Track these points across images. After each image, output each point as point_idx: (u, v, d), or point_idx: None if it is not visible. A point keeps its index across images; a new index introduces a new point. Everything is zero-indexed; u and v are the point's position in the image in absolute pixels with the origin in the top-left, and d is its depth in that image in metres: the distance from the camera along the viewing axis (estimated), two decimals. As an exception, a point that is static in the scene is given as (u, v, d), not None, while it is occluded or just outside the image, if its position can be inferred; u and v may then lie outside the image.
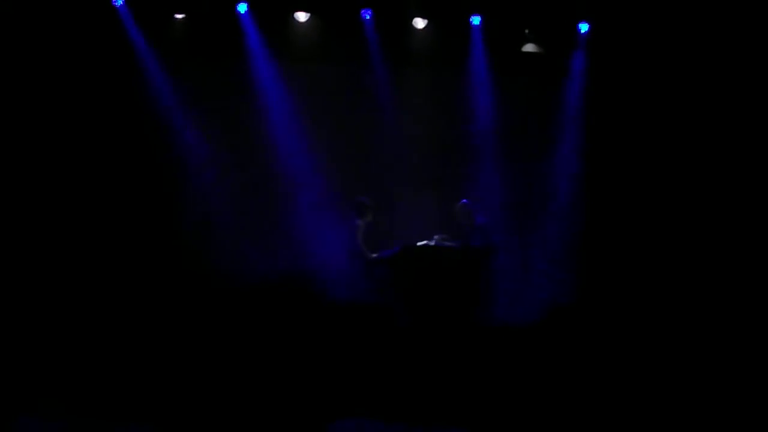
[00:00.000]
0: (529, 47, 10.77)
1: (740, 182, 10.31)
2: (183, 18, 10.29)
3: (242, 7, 10.22)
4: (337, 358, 6.76)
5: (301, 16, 10.41)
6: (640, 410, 6.42)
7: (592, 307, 9.13)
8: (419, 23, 10.60)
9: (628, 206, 10.48)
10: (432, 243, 9.26)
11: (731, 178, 10.35)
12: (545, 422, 6.37)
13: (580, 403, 6.44)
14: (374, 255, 9.26)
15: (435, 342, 7.18)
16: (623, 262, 10.22)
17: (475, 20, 10.59)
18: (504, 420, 6.40)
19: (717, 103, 10.50)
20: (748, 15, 10.18)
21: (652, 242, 10.32)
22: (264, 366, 6.57)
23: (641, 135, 10.60)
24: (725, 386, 6.73)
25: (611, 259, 10.29)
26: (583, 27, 10.64)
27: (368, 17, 10.46)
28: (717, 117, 10.49)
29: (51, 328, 7.82)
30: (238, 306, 7.19)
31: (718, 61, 10.44)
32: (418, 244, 9.27)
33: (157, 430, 6.10)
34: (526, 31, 10.73)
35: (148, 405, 6.43)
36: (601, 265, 10.29)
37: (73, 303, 8.67)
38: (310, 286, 7.45)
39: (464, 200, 9.68)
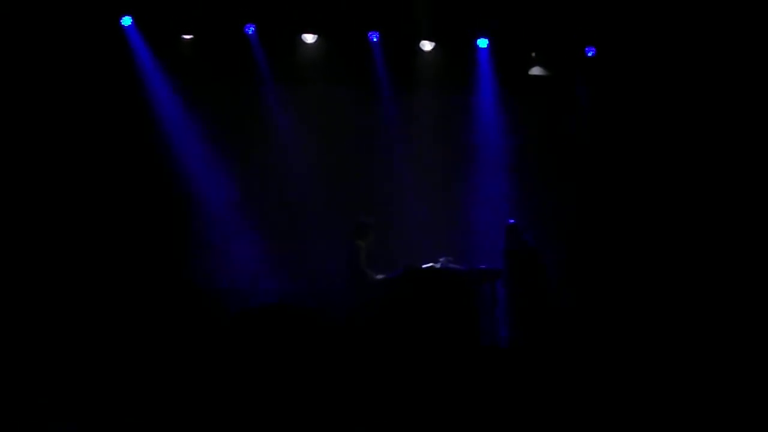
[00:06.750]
0: (535, 70, 10.81)
1: (735, 197, 10.41)
2: (191, 39, 10.32)
3: (250, 29, 10.25)
4: (335, 380, 6.72)
5: (309, 38, 10.44)
6: (634, 413, 6.40)
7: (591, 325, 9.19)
8: (426, 46, 10.63)
9: (634, 223, 10.57)
10: (438, 265, 9.07)
11: (728, 198, 10.43)
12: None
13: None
14: (378, 277, 9.08)
15: (439, 366, 7.13)
16: (624, 289, 10.24)
17: (482, 43, 10.63)
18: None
19: (725, 128, 10.53)
20: (754, 40, 10.23)
21: (654, 264, 10.35)
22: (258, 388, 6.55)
23: (647, 154, 10.71)
24: (720, 388, 6.72)
25: (613, 285, 10.30)
26: (590, 51, 10.67)
27: (375, 39, 10.48)
28: (724, 141, 10.52)
29: (47, 331, 7.84)
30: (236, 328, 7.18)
31: (725, 85, 10.47)
32: (423, 266, 9.05)
33: None
34: (533, 54, 10.76)
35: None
36: (603, 292, 10.30)
37: (66, 310, 8.71)
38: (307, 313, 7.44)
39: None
